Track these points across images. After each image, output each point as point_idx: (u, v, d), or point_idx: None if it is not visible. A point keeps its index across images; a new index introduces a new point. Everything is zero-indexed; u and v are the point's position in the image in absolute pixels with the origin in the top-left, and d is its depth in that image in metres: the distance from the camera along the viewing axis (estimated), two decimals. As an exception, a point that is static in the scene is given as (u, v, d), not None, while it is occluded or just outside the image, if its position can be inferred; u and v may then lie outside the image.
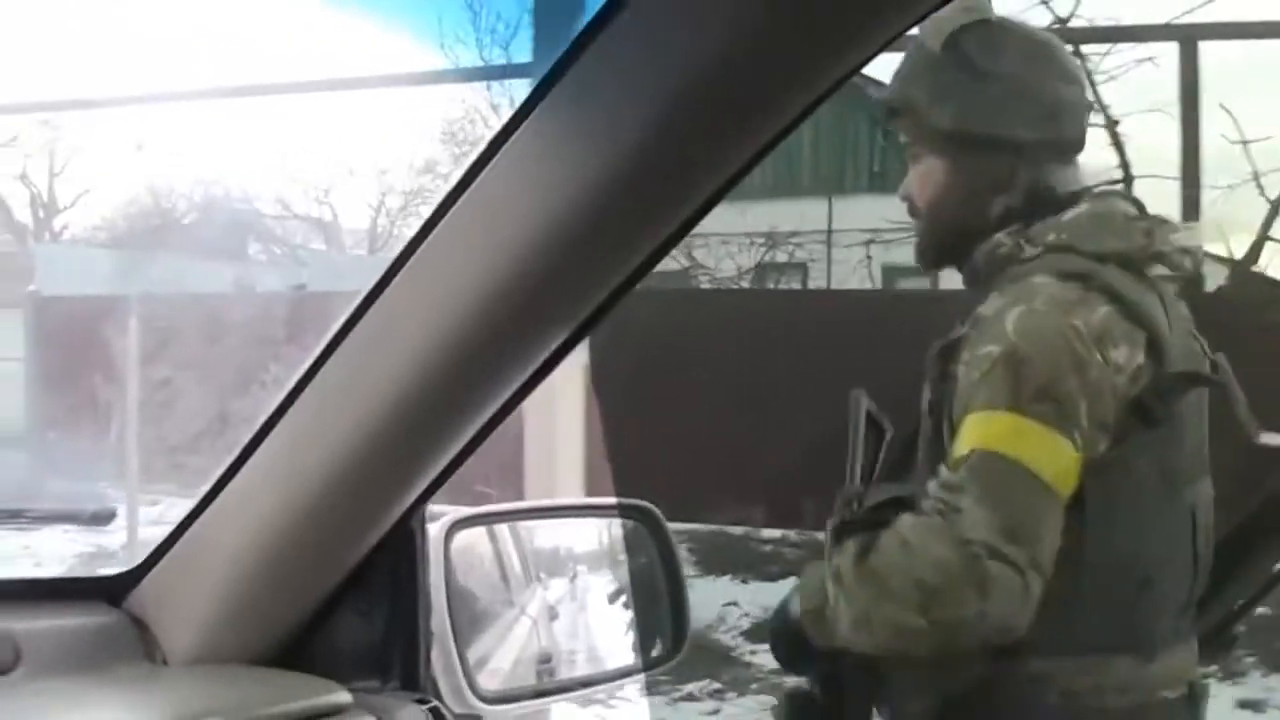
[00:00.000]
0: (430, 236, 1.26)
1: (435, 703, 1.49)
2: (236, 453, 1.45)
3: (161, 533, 1.53)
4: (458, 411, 1.36)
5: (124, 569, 1.55)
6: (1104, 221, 1.92)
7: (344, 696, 1.42)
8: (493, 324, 1.26)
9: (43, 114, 16.80)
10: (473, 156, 1.22)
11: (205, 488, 1.49)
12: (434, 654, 1.51)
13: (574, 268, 1.23)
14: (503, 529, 1.67)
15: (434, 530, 1.52)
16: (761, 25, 1.05)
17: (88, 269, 15.16)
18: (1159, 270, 1.93)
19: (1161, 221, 1.95)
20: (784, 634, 2.00)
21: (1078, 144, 2.04)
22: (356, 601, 1.51)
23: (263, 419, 1.42)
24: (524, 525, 1.71)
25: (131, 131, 16.31)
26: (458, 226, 1.25)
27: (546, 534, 1.73)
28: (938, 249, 2.13)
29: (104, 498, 10.60)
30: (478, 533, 1.59)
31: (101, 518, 1.63)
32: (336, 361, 1.35)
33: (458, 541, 1.54)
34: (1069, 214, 1.94)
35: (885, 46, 1.11)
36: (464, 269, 1.25)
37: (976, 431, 1.81)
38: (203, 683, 1.48)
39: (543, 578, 1.71)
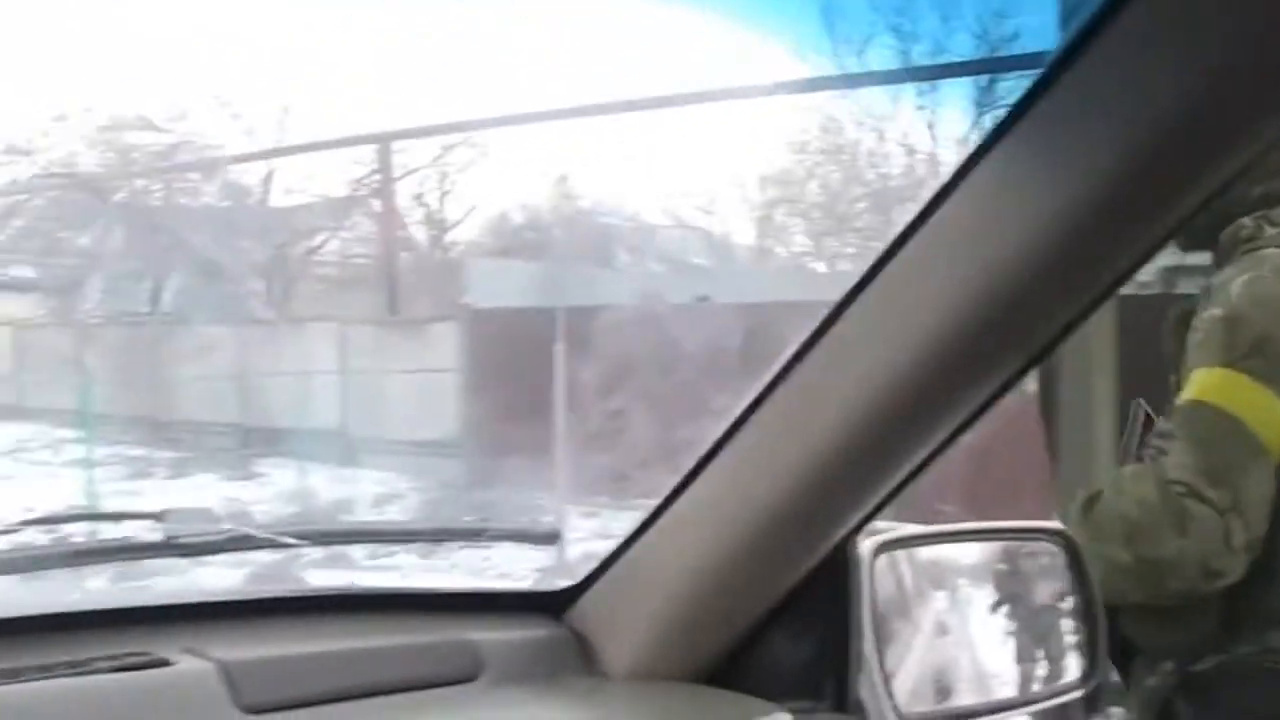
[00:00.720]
0: (891, 263, 1.29)
1: None
2: (681, 475, 1.52)
3: (596, 548, 1.64)
4: (907, 439, 1.39)
5: (566, 584, 1.67)
6: None
7: (784, 718, 1.48)
8: (950, 353, 1.28)
9: (442, 136, 17.98)
10: (942, 177, 1.25)
11: (649, 507, 1.57)
12: (860, 675, 1.55)
13: (1039, 294, 1.24)
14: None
15: (861, 551, 1.55)
16: (1258, 35, 1.04)
17: (512, 282, 15.96)
18: None
19: None
20: None
21: None
22: (790, 622, 1.56)
23: (711, 441, 1.49)
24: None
25: (523, 147, 17.33)
26: (921, 253, 1.27)
27: (952, 552, 1.74)
28: (1194, 231, 2.17)
29: (538, 508, 11.15)
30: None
31: (548, 537, 1.77)
32: (789, 387, 1.40)
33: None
34: None
35: None
36: (924, 297, 1.28)
37: (1193, 385, 1.95)
38: (645, 699, 1.57)
39: (947, 596, 1.72)
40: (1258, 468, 1.89)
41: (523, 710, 1.52)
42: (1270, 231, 2.06)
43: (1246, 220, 2.08)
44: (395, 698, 1.45)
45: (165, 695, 1.33)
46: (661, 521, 1.55)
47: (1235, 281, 2.00)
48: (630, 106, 15.03)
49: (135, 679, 1.33)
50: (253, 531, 1.57)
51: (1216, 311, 1.97)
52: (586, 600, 1.63)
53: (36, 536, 1.54)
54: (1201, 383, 1.94)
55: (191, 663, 1.37)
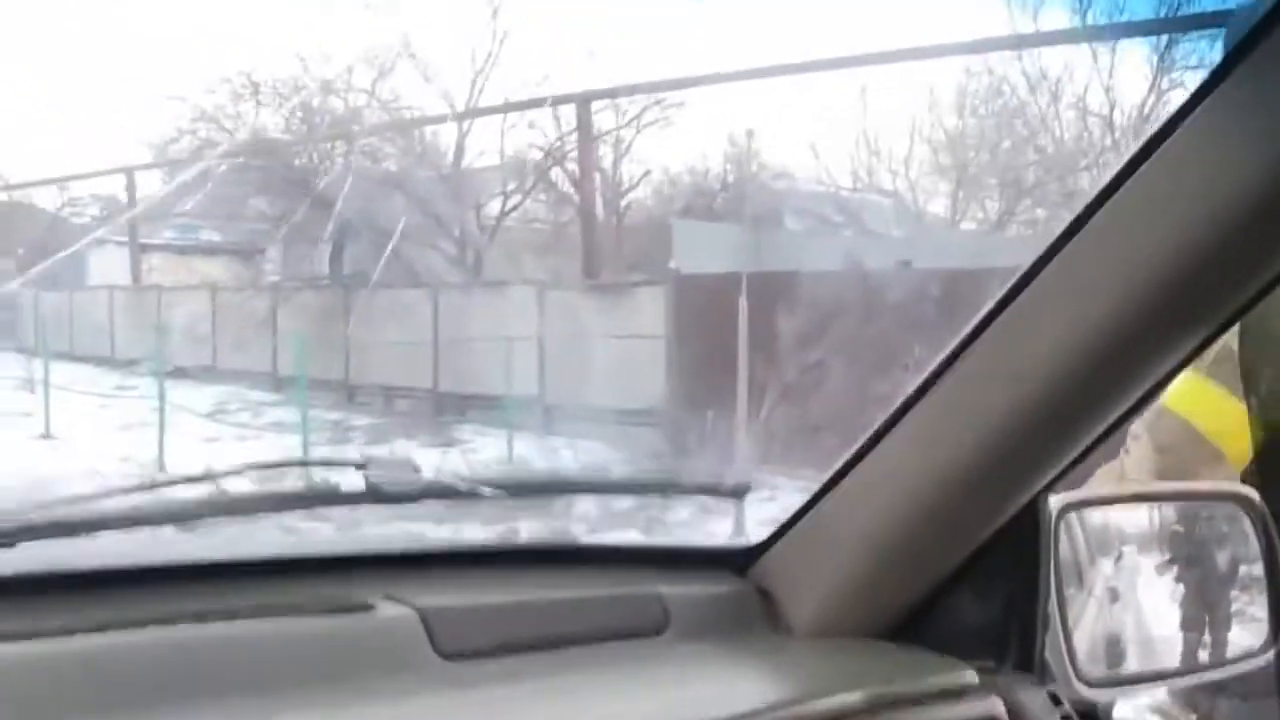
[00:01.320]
0: (1084, 227, 1.32)
1: (1053, 687, 1.57)
2: (870, 433, 1.57)
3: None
4: (1096, 402, 1.43)
5: (750, 541, 1.73)
6: None
7: (970, 676, 1.53)
8: (1143, 316, 1.31)
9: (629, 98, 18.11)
10: (1138, 143, 1.26)
11: (835, 466, 1.63)
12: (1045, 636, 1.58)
13: (1233, 258, 1.26)
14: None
15: (1049, 511, 1.57)
16: None
17: (714, 245, 15.92)
18: None
19: None
20: None
21: None
22: (975, 580, 1.60)
23: (899, 401, 1.54)
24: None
25: (713, 108, 17.42)
26: (1114, 218, 1.30)
27: (1123, 515, 1.77)
28: None
29: (740, 474, 11.18)
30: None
31: (737, 490, 1.83)
32: (978, 349, 1.45)
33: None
34: None
35: None
36: (1119, 261, 1.31)
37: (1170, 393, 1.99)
38: (829, 655, 1.62)
39: (1115, 559, 1.75)
40: (1207, 468, 2.07)
41: (708, 665, 1.58)
42: None
43: None
44: (586, 648, 1.53)
45: (368, 639, 1.43)
46: (849, 479, 1.60)
47: None
48: (813, 68, 14.99)
49: (340, 622, 1.44)
50: (452, 481, 1.65)
51: None
52: (771, 557, 1.69)
53: (245, 483, 1.66)
54: (1173, 388, 1.96)
55: (393, 609, 1.46)
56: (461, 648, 1.46)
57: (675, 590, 1.64)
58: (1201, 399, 2.08)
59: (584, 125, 18.30)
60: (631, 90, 18.04)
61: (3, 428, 16.15)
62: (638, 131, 19.40)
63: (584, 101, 17.97)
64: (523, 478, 1.81)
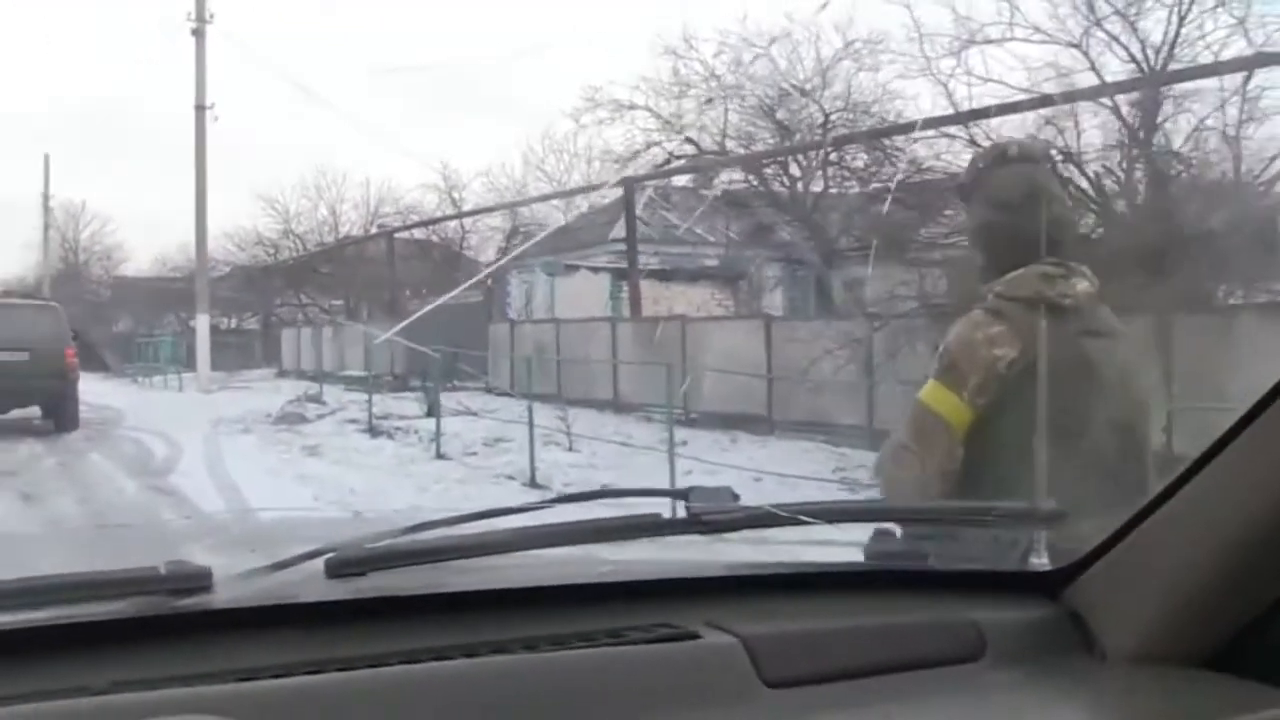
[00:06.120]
0: None
1: None
2: (1197, 456, 1.67)
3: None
4: None
5: (1061, 564, 1.84)
6: (1019, 279, 3.47)
7: None
8: None
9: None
10: None
11: (1156, 490, 1.74)
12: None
13: None
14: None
15: None
16: None
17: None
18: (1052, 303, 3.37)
19: (1064, 277, 3.47)
20: None
21: (1063, 240, 3.53)
22: None
23: (1229, 423, 1.63)
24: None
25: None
26: None
27: None
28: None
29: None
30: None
31: (1051, 518, 1.94)
32: None
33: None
34: (1010, 275, 3.49)
35: None
36: None
37: (923, 388, 3.49)
38: (1149, 685, 1.71)
39: None
40: (941, 435, 3.38)
41: (1027, 693, 1.71)
42: (988, 296, 3.50)
43: (984, 288, 3.56)
44: (905, 675, 1.68)
45: (695, 667, 1.62)
46: (1173, 501, 1.70)
47: (953, 329, 3.52)
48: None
49: (667, 650, 1.63)
50: (771, 509, 1.83)
51: (944, 343, 3.51)
52: (1085, 580, 1.80)
53: (568, 512, 1.91)
54: (925, 388, 3.46)
55: (716, 636, 1.65)
56: (785, 675, 1.63)
57: (989, 615, 1.78)
58: (938, 394, 3.48)
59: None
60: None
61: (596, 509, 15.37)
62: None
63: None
64: (840, 505, 1.97)
